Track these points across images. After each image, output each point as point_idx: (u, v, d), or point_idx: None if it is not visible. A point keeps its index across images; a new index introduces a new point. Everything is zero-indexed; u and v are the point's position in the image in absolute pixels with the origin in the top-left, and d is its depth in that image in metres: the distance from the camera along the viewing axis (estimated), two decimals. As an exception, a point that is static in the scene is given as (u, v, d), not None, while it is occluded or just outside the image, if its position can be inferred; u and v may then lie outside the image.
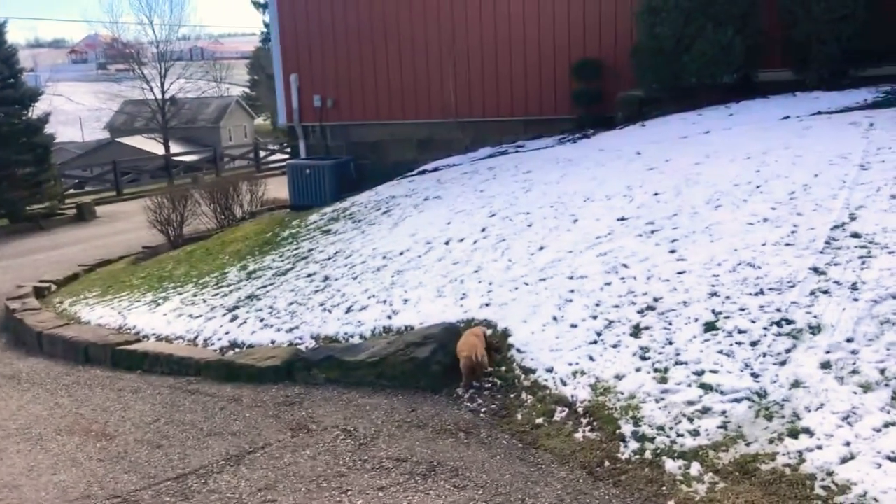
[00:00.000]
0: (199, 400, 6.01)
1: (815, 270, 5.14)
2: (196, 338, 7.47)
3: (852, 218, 5.76)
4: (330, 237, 9.70)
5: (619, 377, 4.77)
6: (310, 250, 9.36)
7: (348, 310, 7.00)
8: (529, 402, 4.97)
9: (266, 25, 43.43)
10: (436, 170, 12.41)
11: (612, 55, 13.00)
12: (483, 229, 7.87)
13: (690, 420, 4.13)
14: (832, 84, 10.06)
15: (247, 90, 64.99)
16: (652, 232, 6.51)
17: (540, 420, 4.79)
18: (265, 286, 8.40)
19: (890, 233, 5.37)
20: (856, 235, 5.47)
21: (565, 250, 6.70)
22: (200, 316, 7.98)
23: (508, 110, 13.88)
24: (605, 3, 12.98)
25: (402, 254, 7.98)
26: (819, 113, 9.10)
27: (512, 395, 5.14)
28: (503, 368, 5.43)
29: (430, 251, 7.75)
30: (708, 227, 6.28)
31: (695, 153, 8.31)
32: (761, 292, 5.09)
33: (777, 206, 6.30)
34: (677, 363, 4.68)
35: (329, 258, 8.73)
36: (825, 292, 4.86)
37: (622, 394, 4.59)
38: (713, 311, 5.05)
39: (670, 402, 4.33)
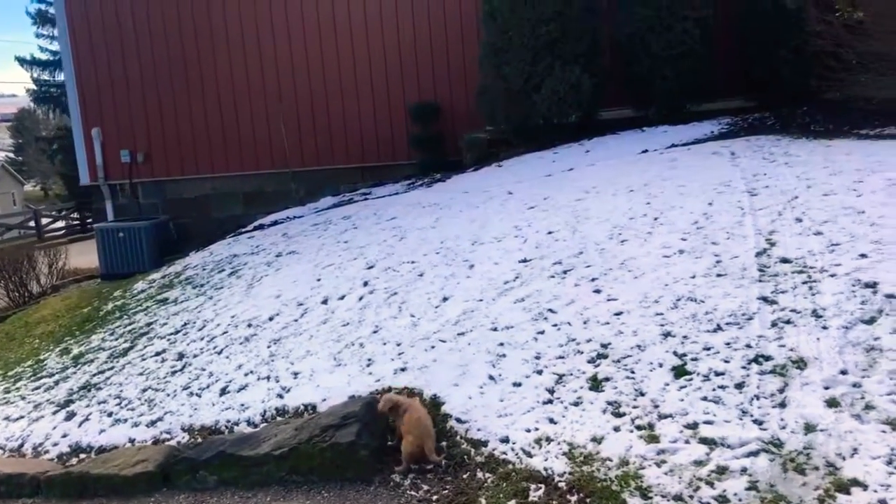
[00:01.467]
0: (48, 531, 4.63)
1: (765, 300, 4.85)
2: (22, 445, 5.97)
3: (771, 244, 5.61)
4: (170, 307, 8.37)
5: (596, 440, 4.13)
6: (149, 324, 7.98)
7: (223, 391, 5.86)
8: (491, 482, 4.19)
9: (35, 82, 39.68)
10: (275, 224, 11.36)
11: (449, 97, 12.74)
12: (365, 283, 7.03)
13: (711, 484, 3.57)
14: (672, 119, 10.33)
15: (10, 154, 58.94)
16: (565, 272, 6.02)
17: (506, 500, 4.02)
18: (102, 372, 6.98)
19: (818, 255, 5.23)
20: (785, 261, 5.28)
21: (474, 299, 6.03)
22: (21, 417, 6.43)
23: (344, 158, 13.15)
24: (438, 44, 12.70)
25: (271, 319, 6.92)
26: (673, 146, 9.22)
27: (465, 476, 4.33)
28: (444, 443, 4.61)
29: (307, 313, 6.78)
30: (623, 263, 5.89)
31: (571, 189, 8.03)
32: (719, 328, 4.70)
33: (686, 237, 6.05)
34: (660, 417, 4.13)
35: (177, 332, 7.45)
36: (788, 322, 4.56)
37: (610, 460, 3.95)
38: (675, 354, 4.58)
39: (675, 465, 3.75)
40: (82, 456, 5.66)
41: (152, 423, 5.72)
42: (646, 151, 9.08)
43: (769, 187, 6.77)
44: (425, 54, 12.81)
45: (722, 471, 3.63)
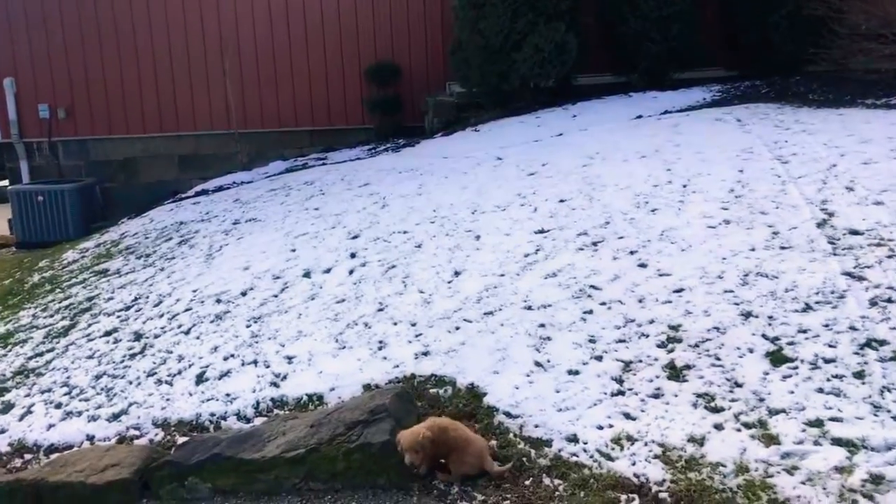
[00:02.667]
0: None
1: (851, 276, 4.29)
2: (-57, 446, 4.86)
3: (829, 214, 5.07)
4: (113, 279, 7.27)
5: (696, 440, 3.45)
6: (90, 299, 6.88)
7: (200, 378, 4.93)
8: (564, 490, 3.46)
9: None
10: (220, 189, 10.26)
11: (409, 58, 11.85)
12: (352, 255, 6.16)
13: (870, 498, 2.93)
14: (655, 86, 9.77)
15: None
16: (595, 244, 5.33)
17: (593, 516, 3.31)
18: (40, 354, 5.89)
19: (891, 227, 4.70)
20: (855, 232, 4.74)
21: (493, 273, 5.28)
22: (-59, 411, 5.29)
23: (292, 119, 12.10)
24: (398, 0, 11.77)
25: (244, 294, 5.98)
26: (667, 112, 8.67)
27: (527, 482, 3.59)
28: (494, 442, 3.85)
29: (289, 288, 5.87)
30: (663, 234, 5.25)
31: (571, 155, 7.34)
32: (808, 307, 4.10)
33: (727, 206, 5.46)
34: (771, 412, 3.49)
35: (127, 307, 6.40)
36: (890, 301, 3.98)
37: (723, 465, 3.28)
38: (765, 337, 3.95)
39: (812, 472, 3.11)
40: (27, 457, 4.64)
41: (115, 417, 4.74)
42: (640, 117, 8.48)
43: (797, 155, 6.25)
44: (383, 9, 11.84)
45: (877, 480, 3.00)
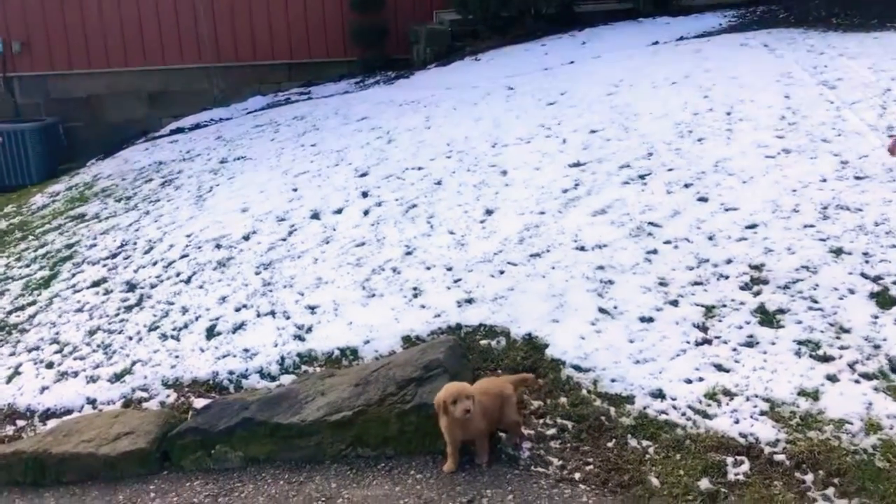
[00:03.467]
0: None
1: (950, 207, 3.85)
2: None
3: None
4: (93, 225, 6.61)
5: (808, 394, 3.04)
6: (69, 246, 6.23)
7: (211, 332, 4.38)
8: (656, 453, 3.04)
9: None
10: (199, 126, 9.52)
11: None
12: (364, 194, 5.61)
13: None
14: (662, 12, 9.20)
15: None
16: (642, 177, 4.86)
17: (693, 480, 2.87)
18: (21, 308, 5.27)
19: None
20: None
21: (531, 211, 4.78)
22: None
23: (268, 52, 11.29)
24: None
25: (247, 238, 5.41)
26: (683, 38, 8.15)
27: (610, 444, 3.15)
28: (563, 399, 3.40)
29: (298, 231, 5.31)
30: (718, 166, 4.79)
31: (590, 82, 6.81)
32: (911, 242, 3.67)
33: (783, 134, 5.02)
34: (892, 361, 3.06)
35: (113, 255, 5.78)
36: None
37: (849, 423, 2.88)
38: (865, 276, 3.55)
39: (960, 428, 2.70)
40: (21, 423, 4.09)
41: (117, 378, 4.19)
42: (656, 43, 7.94)
43: (843, 80, 5.81)
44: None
45: None
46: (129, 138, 10.51)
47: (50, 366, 4.45)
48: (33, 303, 5.32)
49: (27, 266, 6.04)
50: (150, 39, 11.01)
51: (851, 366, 3.09)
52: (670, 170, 4.85)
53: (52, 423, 4.00)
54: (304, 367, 3.97)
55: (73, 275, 5.61)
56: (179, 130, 9.51)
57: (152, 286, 5.10)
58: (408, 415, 3.33)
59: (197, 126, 9.60)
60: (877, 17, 7.78)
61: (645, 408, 3.24)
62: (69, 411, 4.08)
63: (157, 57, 11.04)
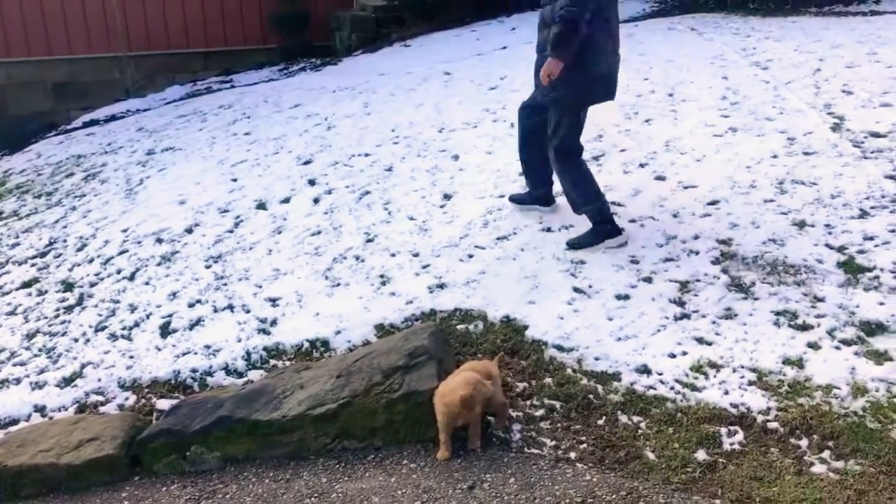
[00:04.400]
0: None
1: (894, 178, 4.05)
2: None
3: (838, 118, 4.97)
4: (12, 223, 6.19)
5: (792, 362, 3.14)
6: (-12, 246, 5.82)
7: (165, 330, 4.17)
8: (648, 427, 3.07)
9: None
10: (115, 118, 9.07)
11: (312, -31, 10.81)
12: (311, 182, 5.46)
13: None
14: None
15: None
16: (596, 158, 4.91)
17: (689, 452, 2.92)
18: (-58, 316, 4.87)
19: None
20: (877, 135, 4.61)
21: (491, 195, 4.78)
22: None
23: (182, 41, 10.84)
24: None
25: (190, 231, 5.18)
26: (610, 24, 8.24)
27: (601, 422, 3.17)
28: (549, 380, 3.40)
29: (245, 222, 5.13)
30: (669, 144, 4.90)
31: (529, 67, 6.79)
32: (865, 213, 3.88)
33: (728, 114, 5.22)
34: (867, 327, 3.21)
35: (41, 254, 5.44)
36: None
37: (837, 388, 2.98)
38: (830, 247, 3.67)
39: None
40: (-38, 437, 3.76)
41: (67, 382, 3.93)
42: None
43: (774, 61, 6.03)
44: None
45: None
46: (34, 132, 9.92)
47: (-13, 372, 4.13)
48: (-44, 308, 4.93)
49: (-56, 268, 5.59)
50: (54, 27, 10.38)
51: (830, 333, 3.19)
52: (623, 150, 4.91)
53: (-1, 435, 3.72)
54: (272, 362, 3.83)
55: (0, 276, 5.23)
56: (94, 122, 9.04)
57: (92, 284, 4.81)
58: (396, 404, 3.24)
59: (113, 118, 9.14)
60: (789, 2, 8.12)
61: (632, 384, 3.26)
62: (15, 421, 3.80)
63: (63, 46, 10.44)
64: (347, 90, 7.35)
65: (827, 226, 3.80)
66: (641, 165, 4.68)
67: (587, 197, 3.94)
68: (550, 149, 3.96)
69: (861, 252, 3.58)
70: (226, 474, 3.23)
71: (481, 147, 5.40)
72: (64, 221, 5.88)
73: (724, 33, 7.00)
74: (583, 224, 4.10)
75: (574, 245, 4.00)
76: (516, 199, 4.49)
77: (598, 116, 5.27)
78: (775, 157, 4.48)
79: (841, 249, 3.63)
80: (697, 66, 6.04)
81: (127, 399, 3.76)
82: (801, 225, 3.85)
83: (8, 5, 10.09)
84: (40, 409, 3.82)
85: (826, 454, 2.75)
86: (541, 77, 3.76)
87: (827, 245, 3.67)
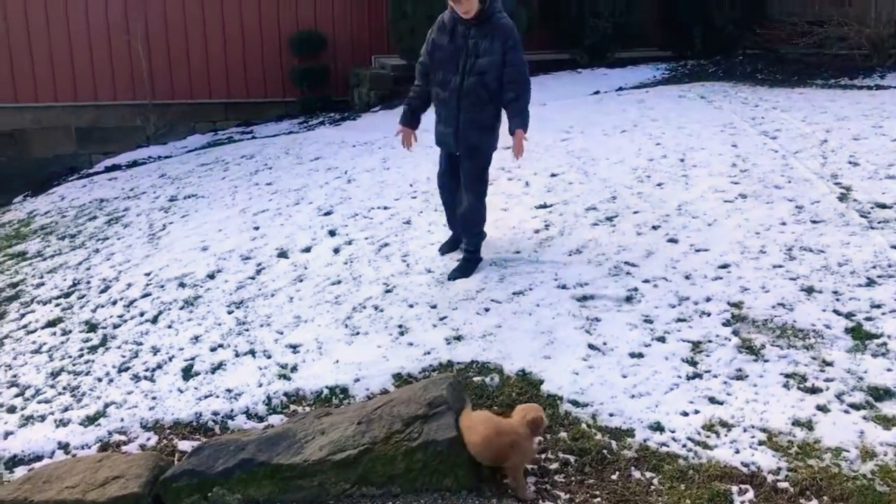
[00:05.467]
0: None
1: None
2: None
3: (845, 189, 5.12)
4: (37, 263, 6.35)
5: (802, 424, 3.24)
6: (13, 285, 5.96)
7: (188, 373, 4.28)
8: (660, 484, 3.15)
9: None
10: (136, 164, 9.30)
11: (332, 27, 11.21)
12: (331, 232, 5.63)
13: None
14: (598, 63, 9.64)
15: None
16: (610, 219, 5.07)
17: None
18: (-32, 349, 4.99)
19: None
20: (883, 206, 4.76)
21: (507, 251, 4.94)
22: None
23: (205, 91, 11.15)
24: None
25: (212, 277, 5.32)
26: (622, 89, 8.55)
27: (614, 476, 3.25)
28: (563, 434, 3.49)
29: (267, 269, 5.27)
30: (681, 209, 5.05)
31: (544, 129, 7.03)
32: (872, 281, 4.00)
33: (737, 180, 5.39)
34: (875, 392, 3.31)
35: (65, 294, 5.58)
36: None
37: (846, 451, 3.08)
38: (838, 313, 3.78)
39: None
40: (-13, 472, 3.85)
41: (91, 421, 4.02)
42: (598, 92, 8.30)
43: (782, 131, 6.24)
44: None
45: None
46: (57, 175, 10.17)
47: (12, 410, 4.23)
48: (-17, 343, 5.05)
49: (-31, 305, 5.73)
50: (82, 75, 10.70)
51: (839, 396, 3.30)
52: (636, 212, 5.07)
53: (20, 471, 3.80)
54: (292, 407, 3.92)
55: (23, 315, 5.36)
56: (116, 167, 9.27)
57: (115, 326, 4.94)
58: (415, 452, 3.33)
59: (135, 163, 9.37)
60: (796, 74, 8.38)
61: (645, 440, 3.35)
62: (39, 457, 3.88)
63: (89, 93, 10.74)
64: (366, 145, 7.57)
65: (835, 292, 3.92)
66: (654, 227, 4.83)
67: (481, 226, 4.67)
68: (469, 188, 4.57)
69: (868, 319, 3.70)
70: (245, 516, 3.31)
71: (497, 204, 5.56)
72: (87, 263, 6.03)
73: (733, 102, 7.23)
74: (592, 274, 4.23)
75: (454, 277, 4.59)
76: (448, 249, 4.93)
77: (611, 178, 5.47)
78: (784, 224, 4.63)
79: (849, 316, 3.75)
80: (707, 133, 6.24)
81: (149, 439, 3.85)
82: (810, 291, 3.98)
83: (38, 52, 10.43)
84: (64, 447, 3.90)
85: (840, 515, 2.83)
86: (517, 153, 4.38)
87: (835, 311, 3.79)
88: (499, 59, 4.24)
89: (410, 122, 4.70)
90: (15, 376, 4.54)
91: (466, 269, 4.66)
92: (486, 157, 4.57)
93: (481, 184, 4.61)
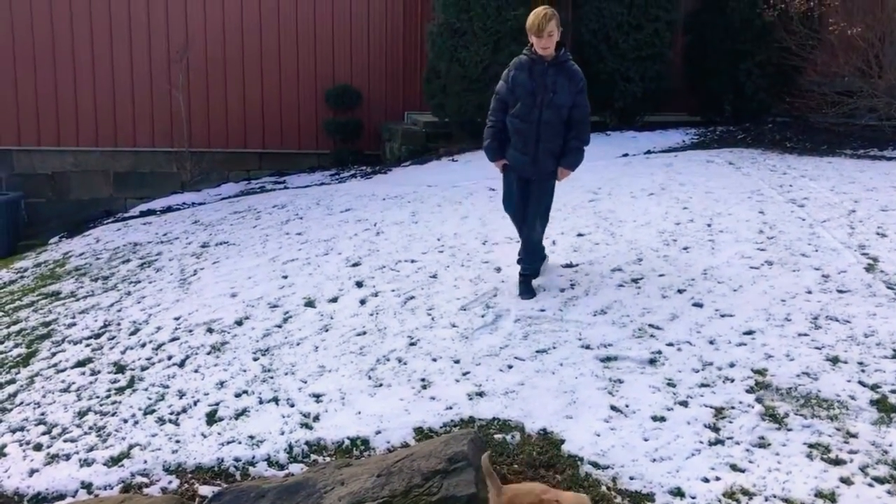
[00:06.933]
0: None
1: None
2: None
3: (872, 259, 5.11)
4: (70, 304, 6.48)
5: (825, 496, 3.19)
6: (45, 324, 6.08)
7: (212, 418, 4.32)
8: (682, 552, 3.11)
9: None
10: (170, 210, 9.51)
11: (367, 83, 11.48)
12: (358, 284, 5.69)
13: None
14: (627, 126, 9.76)
15: None
16: (635, 281, 5.09)
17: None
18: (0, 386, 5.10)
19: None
20: None
21: (533, 308, 4.94)
22: None
23: (240, 140, 11.43)
24: (358, 22, 11.41)
25: (240, 324, 5.40)
26: (650, 152, 8.65)
27: (635, 544, 3.22)
28: (584, 496, 3.45)
29: (293, 318, 5.34)
30: (707, 273, 5.08)
31: (572, 189, 7.14)
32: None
33: (763, 247, 5.39)
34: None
35: (96, 335, 5.67)
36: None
37: (869, 524, 3.01)
38: (863, 384, 3.76)
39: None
40: (10, 512, 3.90)
41: (115, 462, 4.07)
42: (626, 155, 8.39)
43: (809, 199, 6.26)
44: (343, 30, 11.46)
45: None
46: (92, 217, 10.42)
47: (38, 447, 4.29)
48: (12, 381, 5.15)
49: (0, 343, 5.86)
50: (123, 120, 11.05)
51: (863, 469, 3.26)
52: (661, 275, 5.10)
53: (45, 509, 3.85)
54: (313, 456, 3.94)
55: (54, 353, 5.46)
56: (151, 212, 9.48)
57: (143, 368, 5.01)
58: (434, 509, 3.34)
59: (169, 209, 9.58)
60: (825, 143, 8.43)
61: (666, 507, 3.32)
62: (62, 496, 3.93)
63: (129, 139, 11.07)
64: (396, 199, 7.70)
65: (860, 363, 3.90)
66: (679, 291, 4.85)
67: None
68: (542, 214, 5.09)
69: (894, 392, 3.67)
70: (263, 566, 3.31)
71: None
72: (119, 305, 6.15)
73: (760, 169, 7.28)
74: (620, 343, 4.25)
75: (529, 297, 5.05)
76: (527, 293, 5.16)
77: (638, 240, 5.52)
78: (810, 292, 4.63)
79: (874, 388, 3.72)
80: (734, 199, 6.28)
81: (171, 483, 3.89)
82: (835, 361, 3.96)
83: (82, 99, 10.79)
84: (87, 486, 3.95)
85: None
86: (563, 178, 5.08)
87: (860, 382, 3.77)
88: (570, 99, 4.82)
89: (500, 153, 5.13)
90: (43, 414, 4.61)
91: (532, 289, 5.12)
92: (554, 186, 5.12)
93: (548, 211, 5.15)
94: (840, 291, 4.61)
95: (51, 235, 9.80)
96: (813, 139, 8.60)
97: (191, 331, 5.41)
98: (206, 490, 3.81)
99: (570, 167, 4.98)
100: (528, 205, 5.10)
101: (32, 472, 4.08)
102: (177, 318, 5.66)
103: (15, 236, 9.81)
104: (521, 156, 4.98)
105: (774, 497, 3.24)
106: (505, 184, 5.24)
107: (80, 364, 5.21)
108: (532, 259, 5.17)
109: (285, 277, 6.09)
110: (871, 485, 3.19)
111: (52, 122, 10.85)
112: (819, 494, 3.20)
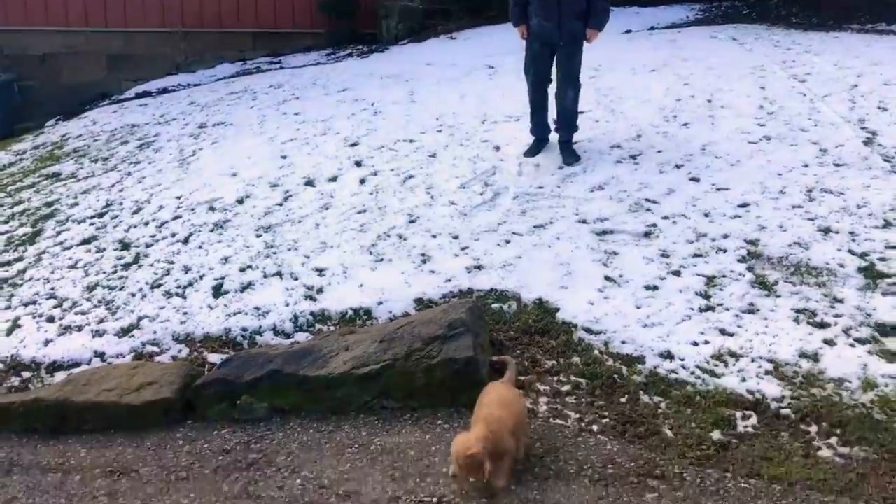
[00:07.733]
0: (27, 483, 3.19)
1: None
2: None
3: (871, 133, 5.12)
4: (71, 184, 6.52)
5: (808, 356, 3.35)
6: (48, 204, 6.15)
7: (218, 291, 4.45)
8: (668, 408, 3.28)
9: None
10: (166, 91, 9.39)
11: (363, -42, 11.06)
12: (357, 163, 5.72)
13: None
14: (633, 1, 9.49)
15: None
16: (633, 157, 5.12)
17: (705, 431, 3.13)
18: (8, 263, 5.22)
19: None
20: None
21: (531, 185, 4.99)
22: None
23: (233, 19, 11.14)
24: None
25: (241, 202, 5.46)
26: (654, 28, 8.47)
27: (623, 399, 3.39)
28: (576, 359, 3.62)
29: (294, 197, 5.40)
30: (705, 149, 5.09)
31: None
32: (889, 224, 4.06)
33: (763, 122, 5.40)
34: (882, 328, 3.41)
35: (99, 214, 5.75)
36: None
37: (847, 381, 3.18)
38: (852, 253, 3.85)
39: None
40: (26, 374, 4.07)
41: (125, 332, 4.22)
42: (629, 31, 8.22)
43: (812, 74, 6.19)
44: None
45: None
46: (88, 100, 10.30)
47: (51, 320, 4.44)
48: (20, 258, 5.26)
49: (6, 222, 5.94)
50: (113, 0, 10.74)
51: (846, 331, 3.39)
52: (659, 151, 5.11)
53: (60, 375, 4.01)
54: (318, 326, 4.08)
55: (59, 232, 5.55)
56: (146, 94, 9.37)
57: (148, 245, 5.11)
58: (434, 369, 3.48)
59: (164, 90, 9.47)
60: (832, 18, 8.24)
61: (655, 367, 3.47)
62: (76, 364, 4.09)
63: (119, 18, 10.79)
64: (394, 77, 7.60)
65: (851, 233, 3.98)
66: (677, 166, 4.88)
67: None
68: (573, 80, 5.07)
69: (882, 259, 3.77)
70: (272, 423, 3.50)
71: (522, 140, 5.62)
72: (120, 185, 6.19)
73: (764, 45, 7.16)
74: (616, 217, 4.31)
75: (573, 163, 5.12)
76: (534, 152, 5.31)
77: (638, 117, 5.49)
78: (806, 166, 4.66)
79: (863, 256, 3.81)
80: (736, 74, 6.21)
81: (180, 351, 4.04)
82: (826, 231, 4.04)
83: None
84: (100, 355, 4.10)
85: (833, 440, 2.95)
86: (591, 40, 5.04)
87: (850, 251, 3.86)
88: None
89: (522, 18, 5.14)
90: (53, 289, 4.74)
91: (575, 152, 5.21)
92: (582, 50, 5.09)
93: (578, 77, 5.14)
94: (836, 165, 4.64)
95: (46, 118, 9.73)
96: (820, 14, 8.41)
97: (193, 209, 5.48)
98: (214, 358, 3.96)
99: (598, 27, 4.96)
100: (558, 72, 5.11)
101: (47, 342, 4.23)
102: (178, 197, 5.72)
103: (9, 119, 9.72)
104: (545, 22, 4.97)
105: (760, 358, 3.38)
106: (527, 52, 5.25)
107: (86, 242, 5.30)
108: (569, 126, 5.21)
109: (284, 157, 6.11)
110: (852, 345, 3.33)
111: (40, 0, 10.53)
112: (803, 355, 3.34)
